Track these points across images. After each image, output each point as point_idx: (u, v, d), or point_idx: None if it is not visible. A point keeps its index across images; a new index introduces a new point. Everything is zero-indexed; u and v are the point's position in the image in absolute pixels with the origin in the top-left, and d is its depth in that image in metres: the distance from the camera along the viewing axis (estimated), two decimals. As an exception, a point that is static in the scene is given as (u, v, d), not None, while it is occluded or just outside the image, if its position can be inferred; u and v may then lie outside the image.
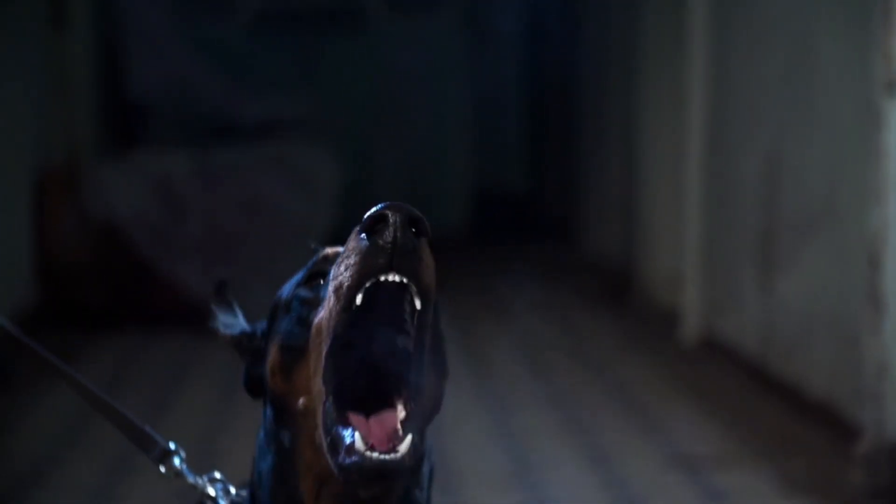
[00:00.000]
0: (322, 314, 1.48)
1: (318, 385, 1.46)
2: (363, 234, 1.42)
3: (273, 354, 1.56)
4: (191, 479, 1.79)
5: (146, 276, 6.60)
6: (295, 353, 1.52)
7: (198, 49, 8.12)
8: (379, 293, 1.42)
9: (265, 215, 6.87)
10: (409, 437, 1.43)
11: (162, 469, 1.83)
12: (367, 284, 1.41)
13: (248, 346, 1.67)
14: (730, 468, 4.32)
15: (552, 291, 7.74)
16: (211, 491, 1.77)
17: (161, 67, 7.63)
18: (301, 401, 1.50)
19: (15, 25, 6.53)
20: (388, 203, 1.43)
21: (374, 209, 1.43)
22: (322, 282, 1.55)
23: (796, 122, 5.04)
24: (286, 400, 1.53)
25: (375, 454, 1.41)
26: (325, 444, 1.44)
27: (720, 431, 4.77)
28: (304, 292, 1.56)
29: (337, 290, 1.43)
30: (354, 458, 1.41)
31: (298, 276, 1.61)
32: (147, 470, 4.62)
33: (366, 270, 1.41)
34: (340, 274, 1.43)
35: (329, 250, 1.60)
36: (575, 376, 5.72)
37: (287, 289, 1.62)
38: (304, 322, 1.52)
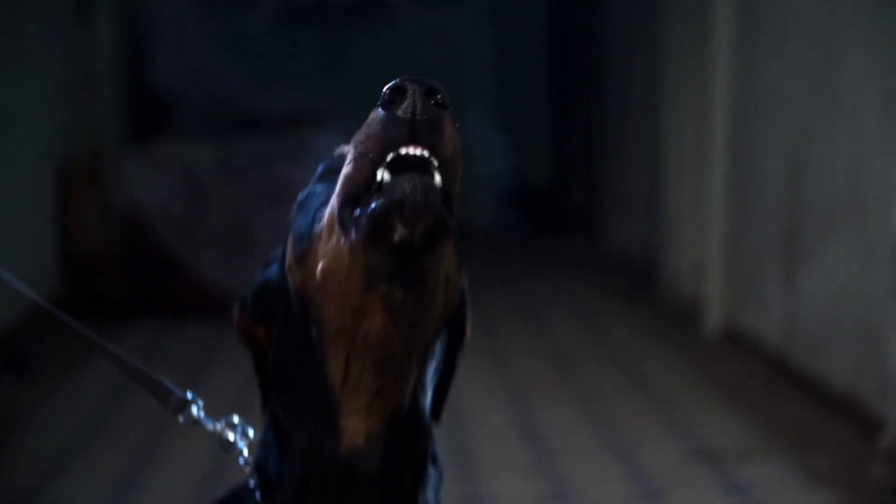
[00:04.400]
0: (336, 190, 1.42)
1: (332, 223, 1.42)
2: (381, 105, 1.38)
3: (289, 252, 1.51)
4: (209, 425, 1.79)
5: (169, 267, 6.62)
6: (309, 238, 1.46)
7: (221, 41, 8.15)
8: (401, 169, 1.35)
9: (288, 207, 6.87)
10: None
11: (181, 419, 1.83)
12: (389, 158, 1.35)
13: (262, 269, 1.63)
14: (752, 461, 4.31)
15: (575, 284, 7.74)
16: (230, 436, 1.77)
17: (185, 60, 7.65)
18: (319, 267, 1.43)
19: (40, 19, 6.56)
20: (406, 76, 1.39)
21: (392, 82, 1.38)
22: (334, 174, 1.50)
23: (820, 116, 5.02)
24: (306, 288, 1.46)
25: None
26: (339, 220, 1.40)
27: (742, 424, 4.76)
28: (320, 187, 1.51)
29: (358, 158, 1.38)
30: (381, 198, 1.35)
31: (315, 175, 1.57)
32: (169, 458, 4.65)
33: (387, 141, 1.36)
34: (360, 143, 1.38)
35: (346, 148, 1.53)
36: (596, 368, 5.72)
37: (304, 190, 1.58)
38: (319, 211, 1.47)
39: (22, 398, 5.11)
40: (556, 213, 10.33)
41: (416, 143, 1.35)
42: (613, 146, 8.83)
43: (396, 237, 1.36)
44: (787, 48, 5.38)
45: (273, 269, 1.60)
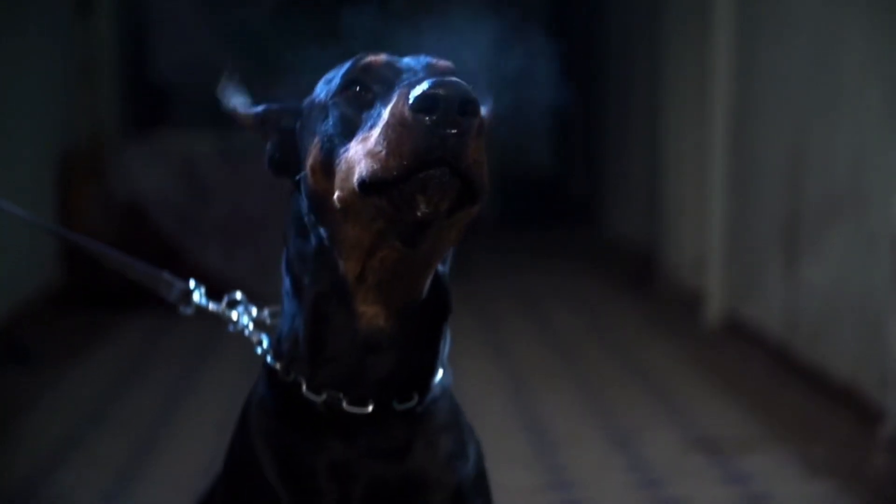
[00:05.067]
0: (365, 139, 1.46)
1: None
2: (412, 109, 1.39)
3: (314, 154, 1.55)
4: (212, 307, 1.83)
5: (170, 257, 6.62)
6: (334, 158, 1.51)
7: (220, 31, 8.13)
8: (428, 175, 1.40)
9: (288, 197, 6.87)
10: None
11: (184, 310, 1.87)
12: (420, 175, 1.39)
13: (276, 124, 1.68)
14: (752, 451, 4.32)
15: (576, 275, 7.74)
16: (234, 315, 1.80)
17: (184, 50, 7.64)
18: (337, 194, 1.49)
19: (41, 9, 6.55)
20: (439, 80, 1.40)
21: (425, 86, 1.39)
22: (358, 89, 1.55)
23: (821, 110, 5.02)
24: (325, 198, 1.52)
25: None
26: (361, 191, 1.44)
27: (743, 414, 4.76)
28: (344, 105, 1.55)
29: (387, 157, 1.41)
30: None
31: (336, 81, 1.60)
32: (169, 449, 4.62)
33: (416, 153, 1.39)
34: (391, 143, 1.40)
35: (372, 58, 1.60)
36: (597, 359, 5.72)
37: (324, 90, 1.62)
38: (345, 132, 1.51)
39: (23, 388, 5.11)
40: (556, 203, 10.33)
41: (442, 153, 1.38)
42: (615, 136, 8.83)
43: (419, 213, 1.41)
44: (787, 44, 5.38)
45: (297, 138, 1.64)
